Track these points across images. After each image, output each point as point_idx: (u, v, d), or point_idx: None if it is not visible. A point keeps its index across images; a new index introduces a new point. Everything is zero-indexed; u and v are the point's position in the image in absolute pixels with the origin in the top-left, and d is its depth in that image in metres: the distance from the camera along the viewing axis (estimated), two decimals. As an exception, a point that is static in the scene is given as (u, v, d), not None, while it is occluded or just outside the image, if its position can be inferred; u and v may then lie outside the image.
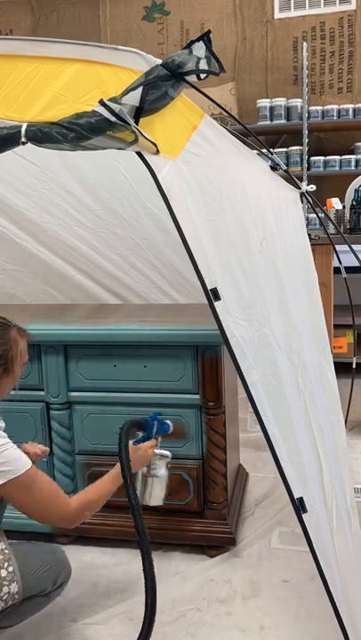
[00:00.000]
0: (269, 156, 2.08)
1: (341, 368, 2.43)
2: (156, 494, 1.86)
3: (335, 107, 4.61)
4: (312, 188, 2.33)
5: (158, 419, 1.91)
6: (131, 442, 1.78)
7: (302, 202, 2.28)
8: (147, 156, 1.36)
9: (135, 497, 1.66)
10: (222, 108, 1.69)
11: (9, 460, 1.50)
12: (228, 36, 5.10)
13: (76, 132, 1.33)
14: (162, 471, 1.85)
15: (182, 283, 2.85)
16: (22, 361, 1.65)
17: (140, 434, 1.87)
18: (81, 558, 2.17)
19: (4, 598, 1.51)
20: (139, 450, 1.79)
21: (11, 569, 1.54)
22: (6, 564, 1.54)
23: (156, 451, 1.84)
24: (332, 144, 4.98)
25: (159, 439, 1.90)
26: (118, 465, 1.73)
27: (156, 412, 1.93)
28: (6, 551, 1.56)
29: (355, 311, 3.10)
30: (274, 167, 2.05)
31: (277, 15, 4.99)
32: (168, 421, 1.95)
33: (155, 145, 1.36)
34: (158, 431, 1.90)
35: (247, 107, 5.02)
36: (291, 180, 2.21)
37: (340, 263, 2.90)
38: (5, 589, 1.51)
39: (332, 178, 4.74)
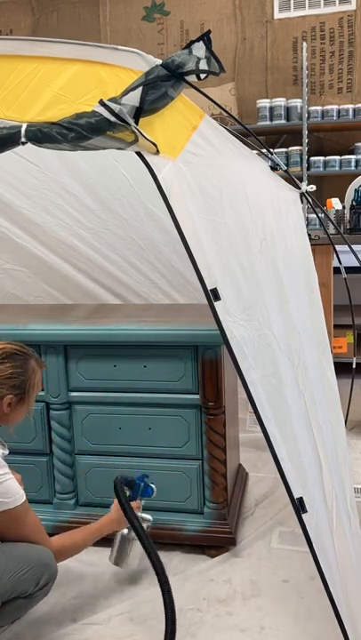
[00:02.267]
0: (269, 156, 2.08)
1: (341, 368, 2.43)
2: (132, 556, 1.90)
3: (335, 107, 4.61)
4: (312, 188, 2.33)
5: (145, 481, 1.94)
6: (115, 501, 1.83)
7: (302, 202, 2.28)
8: (147, 156, 1.36)
9: (148, 539, 1.70)
10: (222, 109, 1.69)
11: (7, 492, 1.54)
12: (227, 37, 5.10)
13: (76, 132, 1.33)
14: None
15: (182, 283, 2.85)
16: (37, 390, 1.71)
17: (127, 492, 1.89)
18: (81, 558, 2.17)
19: None
20: (119, 511, 1.81)
21: None
22: None
23: (138, 514, 1.85)
24: (332, 144, 4.98)
25: (142, 502, 1.94)
26: (106, 517, 1.81)
27: (144, 474, 1.96)
28: None
29: (355, 311, 3.10)
30: (274, 167, 2.05)
31: (277, 15, 4.99)
32: (153, 485, 1.97)
33: (155, 145, 1.36)
34: (143, 493, 1.94)
35: (247, 107, 5.02)
36: (291, 180, 2.21)
37: (340, 263, 2.91)
38: None
39: (332, 178, 4.74)
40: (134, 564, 1.92)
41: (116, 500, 1.83)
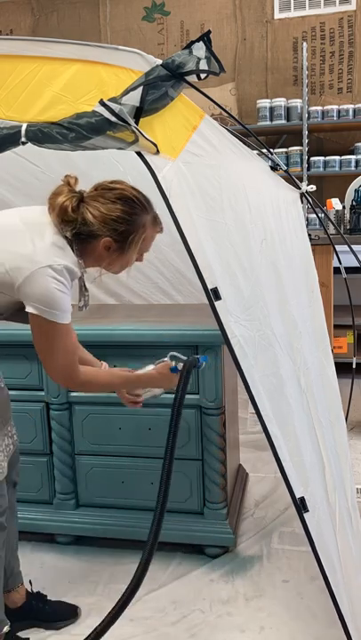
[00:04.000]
0: (269, 156, 2.08)
1: (341, 368, 2.43)
2: (151, 394, 1.82)
3: (335, 107, 4.62)
4: (312, 188, 2.33)
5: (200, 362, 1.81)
6: (170, 364, 1.72)
7: (302, 202, 2.29)
8: (147, 156, 1.36)
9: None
10: (222, 109, 1.69)
11: (57, 305, 1.45)
12: (228, 37, 5.10)
13: (76, 132, 1.33)
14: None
15: (183, 283, 2.85)
16: (142, 249, 1.62)
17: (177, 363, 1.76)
18: (81, 558, 2.17)
19: None
20: (169, 377, 1.71)
21: None
22: None
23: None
24: (332, 144, 4.99)
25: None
26: (145, 374, 1.72)
27: (205, 357, 1.82)
28: None
29: (355, 311, 3.10)
30: (274, 167, 2.05)
31: (277, 15, 5.00)
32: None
33: (155, 145, 1.36)
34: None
35: (247, 107, 5.02)
36: (291, 180, 2.22)
37: (340, 263, 2.91)
38: None
39: (332, 178, 4.74)
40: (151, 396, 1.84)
41: (166, 364, 1.73)
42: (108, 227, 1.51)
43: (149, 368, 1.76)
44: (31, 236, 1.47)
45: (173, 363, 1.73)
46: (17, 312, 1.56)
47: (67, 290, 1.48)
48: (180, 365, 1.69)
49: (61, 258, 1.47)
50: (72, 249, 1.51)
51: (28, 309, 1.46)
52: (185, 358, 1.70)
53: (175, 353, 1.77)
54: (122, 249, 1.56)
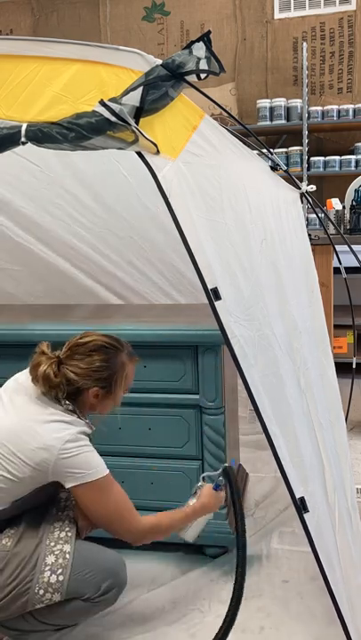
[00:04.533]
0: (269, 156, 2.08)
1: (341, 368, 2.43)
2: (197, 532, 1.84)
3: (335, 107, 4.62)
4: (312, 188, 2.33)
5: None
6: (211, 485, 1.80)
7: (302, 202, 2.29)
8: (147, 156, 1.36)
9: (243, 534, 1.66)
10: (222, 109, 1.69)
11: (88, 463, 1.53)
12: (228, 37, 5.10)
13: (76, 132, 1.33)
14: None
15: (183, 283, 2.85)
16: (127, 384, 1.71)
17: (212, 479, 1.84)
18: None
19: (45, 602, 1.52)
20: (218, 496, 1.80)
21: (61, 578, 1.52)
22: (60, 571, 1.53)
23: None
24: (332, 144, 4.99)
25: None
26: (198, 503, 1.77)
27: (233, 460, 1.92)
28: (67, 556, 1.55)
29: (355, 311, 3.10)
30: (274, 167, 2.05)
31: (277, 15, 5.00)
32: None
33: (155, 145, 1.36)
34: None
35: (247, 107, 5.02)
36: (291, 180, 2.22)
37: (340, 263, 2.91)
38: (48, 596, 1.51)
39: (332, 178, 4.74)
40: (192, 538, 1.84)
41: (208, 486, 1.80)
42: (92, 378, 1.61)
43: (192, 502, 1.80)
44: (31, 425, 1.55)
45: (210, 483, 1.81)
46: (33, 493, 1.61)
47: (89, 445, 1.56)
48: (219, 479, 1.77)
49: (67, 428, 1.55)
50: (74, 412, 1.60)
51: (68, 485, 1.53)
52: (219, 471, 1.77)
53: (205, 474, 1.87)
54: (109, 392, 1.66)
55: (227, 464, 1.81)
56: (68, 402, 1.61)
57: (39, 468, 1.52)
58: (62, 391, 1.59)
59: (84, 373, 1.60)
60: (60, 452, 1.50)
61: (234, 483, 1.70)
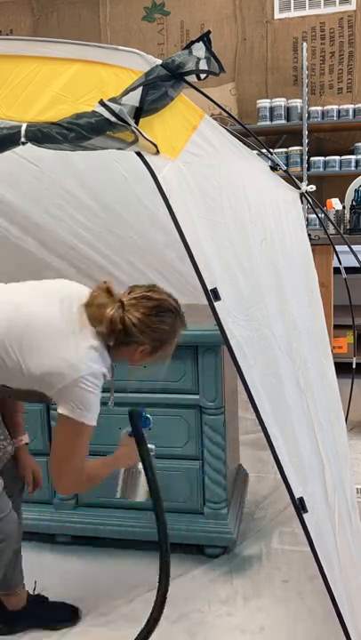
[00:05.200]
0: (269, 156, 2.08)
1: (341, 368, 2.43)
2: (141, 489, 1.83)
3: (335, 107, 4.62)
4: (312, 188, 2.33)
5: (143, 413, 1.87)
6: (126, 433, 1.77)
7: (302, 202, 2.28)
8: (147, 157, 1.36)
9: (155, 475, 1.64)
10: (222, 109, 1.69)
11: (87, 404, 1.49)
12: (228, 37, 5.10)
13: (76, 132, 1.33)
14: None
15: (182, 283, 2.85)
16: (171, 349, 1.67)
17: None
18: (81, 558, 2.17)
19: None
20: (133, 441, 1.76)
21: None
22: None
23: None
24: (332, 144, 4.99)
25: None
26: (119, 452, 1.75)
27: (142, 406, 1.88)
28: None
29: (355, 311, 3.10)
30: (274, 167, 2.05)
31: (277, 15, 5.00)
32: (149, 416, 1.88)
33: (155, 145, 1.36)
34: (143, 425, 1.85)
35: (247, 107, 5.02)
36: (291, 180, 2.21)
37: (340, 263, 2.91)
38: None
39: (332, 178, 4.74)
40: (143, 496, 1.84)
41: (124, 434, 1.78)
42: (149, 337, 1.56)
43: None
44: (75, 341, 1.50)
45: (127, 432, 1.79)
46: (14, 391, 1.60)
47: (99, 392, 1.53)
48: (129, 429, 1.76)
49: (99, 364, 1.52)
50: (108, 352, 1.57)
51: (61, 410, 1.49)
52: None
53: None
54: (155, 352, 1.62)
55: (135, 408, 1.79)
56: (113, 349, 1.57)
57: (52, 377, 1.48)
58: (118, 339, 1.54)
59: (144, 329, 1.54)
60: (80, 379, 1.46)
61: (139, 427, 1.70)
